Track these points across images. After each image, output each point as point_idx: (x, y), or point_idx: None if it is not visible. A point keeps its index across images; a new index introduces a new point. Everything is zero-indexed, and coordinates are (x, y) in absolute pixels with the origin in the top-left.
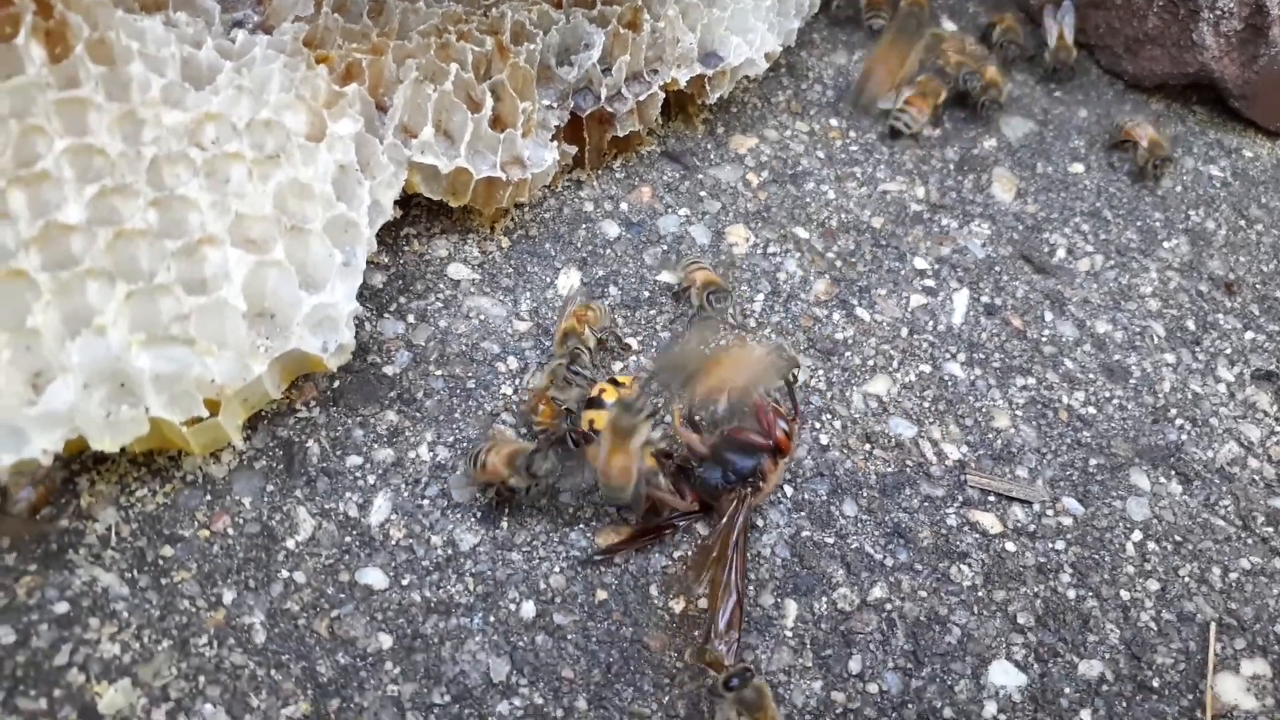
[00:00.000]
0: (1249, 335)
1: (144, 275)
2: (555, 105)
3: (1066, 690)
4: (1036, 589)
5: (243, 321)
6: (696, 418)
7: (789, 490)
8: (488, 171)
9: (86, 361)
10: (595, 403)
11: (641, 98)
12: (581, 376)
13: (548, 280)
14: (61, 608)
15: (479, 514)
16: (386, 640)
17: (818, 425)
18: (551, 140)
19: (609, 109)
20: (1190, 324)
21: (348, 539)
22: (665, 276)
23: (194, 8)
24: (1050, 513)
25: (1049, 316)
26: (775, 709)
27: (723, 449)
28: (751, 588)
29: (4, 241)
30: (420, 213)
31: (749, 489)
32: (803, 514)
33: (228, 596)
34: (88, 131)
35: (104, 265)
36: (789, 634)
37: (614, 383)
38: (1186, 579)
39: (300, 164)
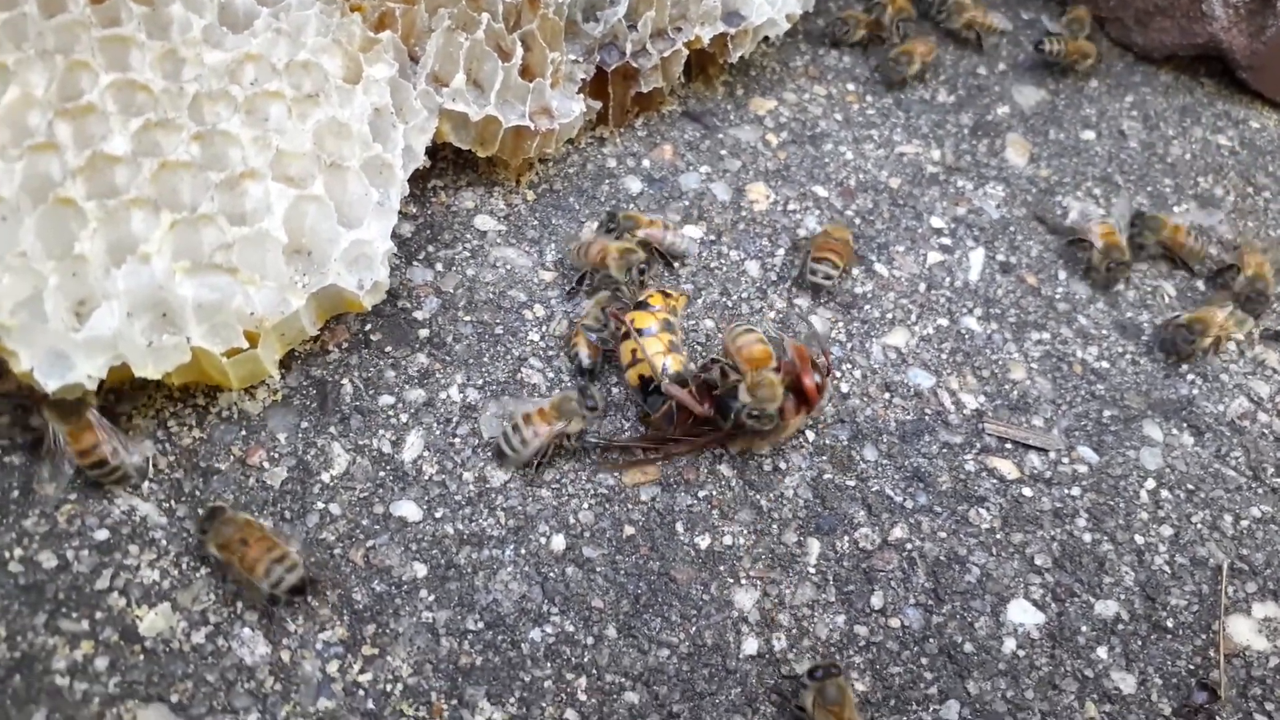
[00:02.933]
0: None
1: (187, 206)
2: (581, 60)
3: (1083, 629)
4: (1053, 532)
5: (282, 255)
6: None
7: (810, 435)
8: (516, 121)
9: (131, 289)
10: (641, 305)
11: (665, 54)
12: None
13: (572, 232)
14: (101, 535)
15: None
16: (421, 569)
17: (838, 374)
18: (578, 93)
19: (634, 64)
20: (1200, 285)
21: (381, 474)
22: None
23: None
24: (1066, 460)
25: (1062, 275)
26: (854, 710)
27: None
28: (775, 526)
29: (50, 171)
30: (447, 165)
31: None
32: (824, 458)
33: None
34: (130, 68)
35: (149, 195)
36: (812, 570)
37: (664, 294)
38: (1199, 525)
39: (338, 104)
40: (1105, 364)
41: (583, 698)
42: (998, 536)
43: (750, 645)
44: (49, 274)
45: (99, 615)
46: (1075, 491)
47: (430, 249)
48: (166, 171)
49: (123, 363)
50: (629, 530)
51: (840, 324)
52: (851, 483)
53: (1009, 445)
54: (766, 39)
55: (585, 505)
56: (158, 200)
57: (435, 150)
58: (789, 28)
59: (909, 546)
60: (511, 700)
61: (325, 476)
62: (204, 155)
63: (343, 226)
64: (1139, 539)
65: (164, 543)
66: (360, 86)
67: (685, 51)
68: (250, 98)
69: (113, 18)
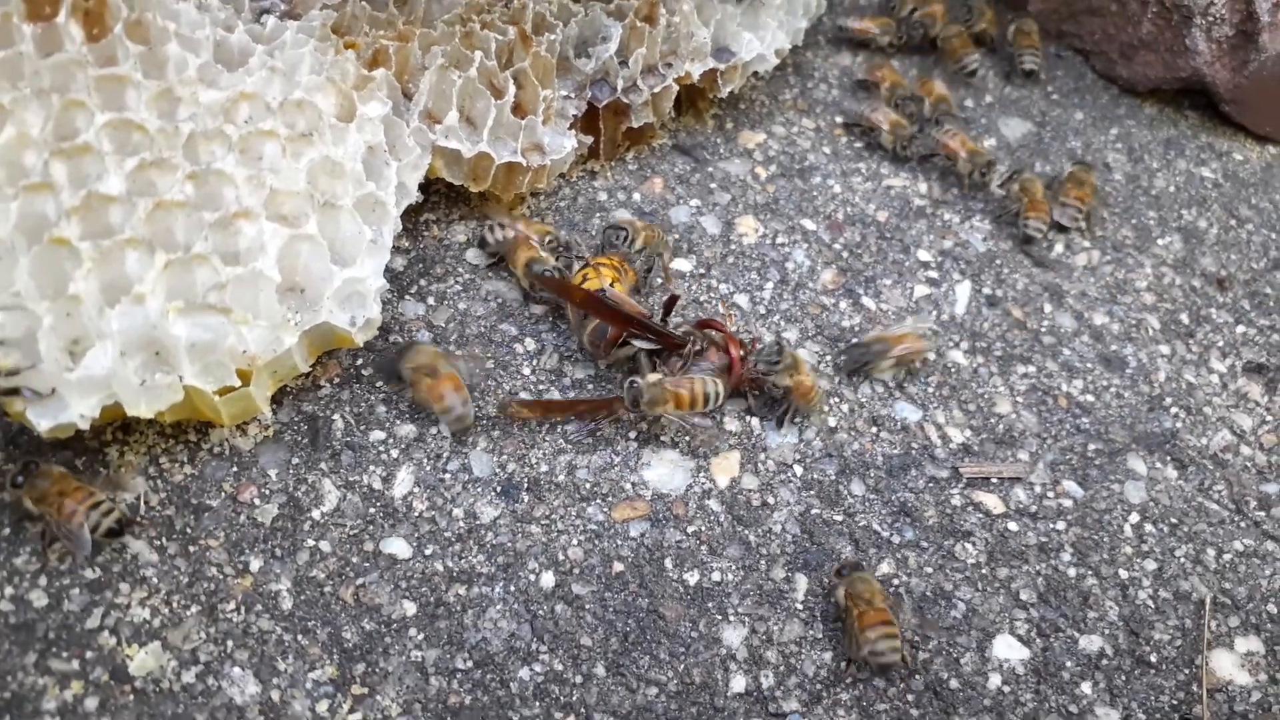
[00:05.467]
0: (1240, 329)
1: (181, 246)
2: (573, 95)
3: (1068, 664)
4: (1038, 567)
5: (276, 294)
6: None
7: (799, 470)
8: (509, 157)
9: (124, 329)
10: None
11: (656, 90)
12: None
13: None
14: (92, 573)
15: (499, 488)
16: (410, 607)
17: (826, 408)
18: (569, 129)
19: (625, 100)
20: (1184, 317)
21: (372, 510)
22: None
23: None
24: (1051, 495)
25: (1048, 308)
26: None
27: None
28: (763, 561)
29: (45, 211)
30: (439, 199)
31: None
32: (812, 493)
33: (255, 564)
34: (126, 107)
35: (143, 235)
36: (799, 606)
37: (624, 258)
38: (1182, 559)
39: (331, 143)
40: (1090, 397)
41: None
42: (983, 571)
43: (738, 683)
44: (43, 314)
45: (89, 655)
46: (1060, 526)
47: (422, 283)
48: (161, 211)
49: (115, 402)
50: (618, 567)
51: (828, 357)
52: (839, 517)
53: (993, 481)
54: (756, 73)
55: (574, 541)
56: (152, 240)
57: (428, 184)
58: (778, 63)
59: (895, 582)
60: None
61: (316, 513)
62: (198, 195)
63: (336, 265)
64: (1123, 573)
65: (155, 581)
66: (354, 124)
67: (675, 87)
68: (245, 136)
69: (109, 56)
